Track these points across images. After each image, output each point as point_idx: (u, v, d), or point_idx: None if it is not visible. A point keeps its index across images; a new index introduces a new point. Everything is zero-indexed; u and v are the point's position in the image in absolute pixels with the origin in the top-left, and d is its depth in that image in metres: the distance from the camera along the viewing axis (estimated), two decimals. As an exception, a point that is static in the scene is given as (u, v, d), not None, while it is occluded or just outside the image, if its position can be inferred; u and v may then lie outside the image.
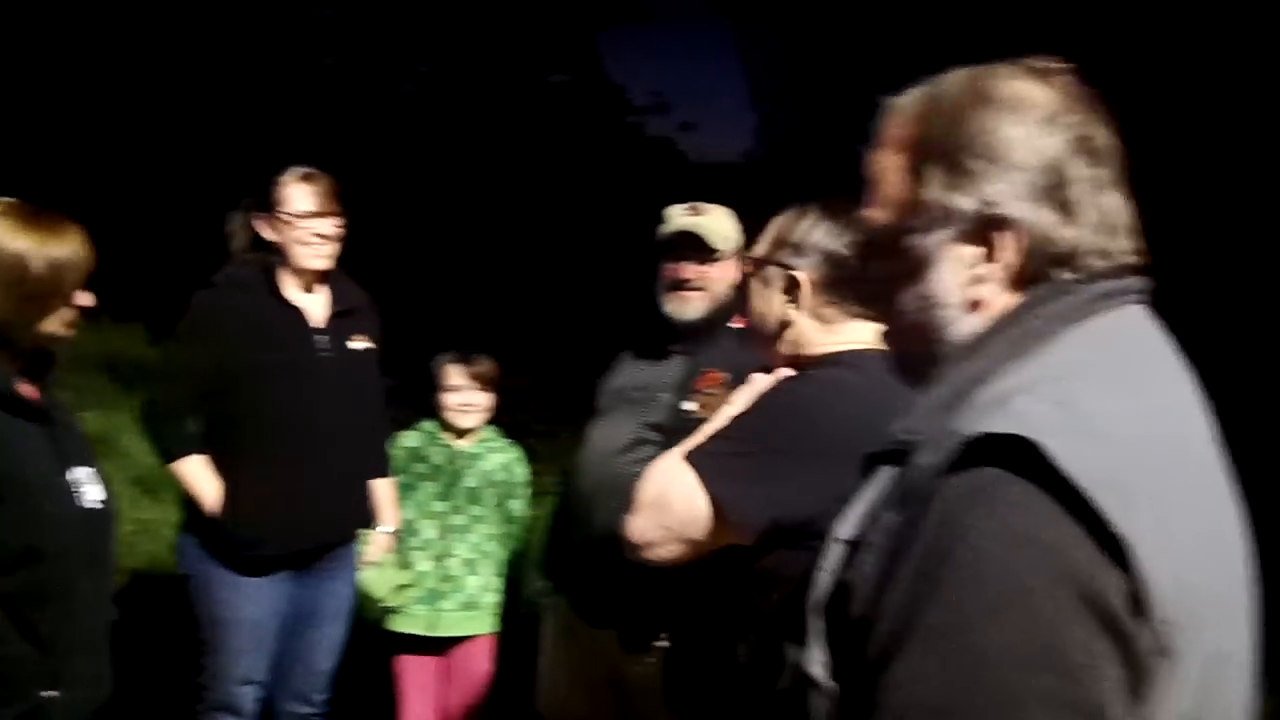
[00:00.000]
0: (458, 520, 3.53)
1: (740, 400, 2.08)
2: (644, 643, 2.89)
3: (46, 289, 2.13)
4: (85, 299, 2.20)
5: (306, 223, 3.08)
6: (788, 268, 2.06)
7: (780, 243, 2.09)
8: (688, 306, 2.89)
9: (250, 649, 3.13)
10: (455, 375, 3.56)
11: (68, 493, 2.22)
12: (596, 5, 19.04)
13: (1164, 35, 12.04)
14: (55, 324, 2.18)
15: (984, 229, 1.17)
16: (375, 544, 3.39)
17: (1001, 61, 1.24)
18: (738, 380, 2.81)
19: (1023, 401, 1.04)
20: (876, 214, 1.27)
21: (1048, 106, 1.19)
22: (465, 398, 3.57)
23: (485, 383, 3.59)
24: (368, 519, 3.36)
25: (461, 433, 3.60)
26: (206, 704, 3.16)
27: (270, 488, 3.06)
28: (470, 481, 3.55)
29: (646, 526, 1.92)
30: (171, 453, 3.10)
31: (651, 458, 2.85)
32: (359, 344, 3.23)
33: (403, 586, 3.44)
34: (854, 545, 1.14)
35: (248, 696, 3.16)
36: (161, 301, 10.73)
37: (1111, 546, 0.96)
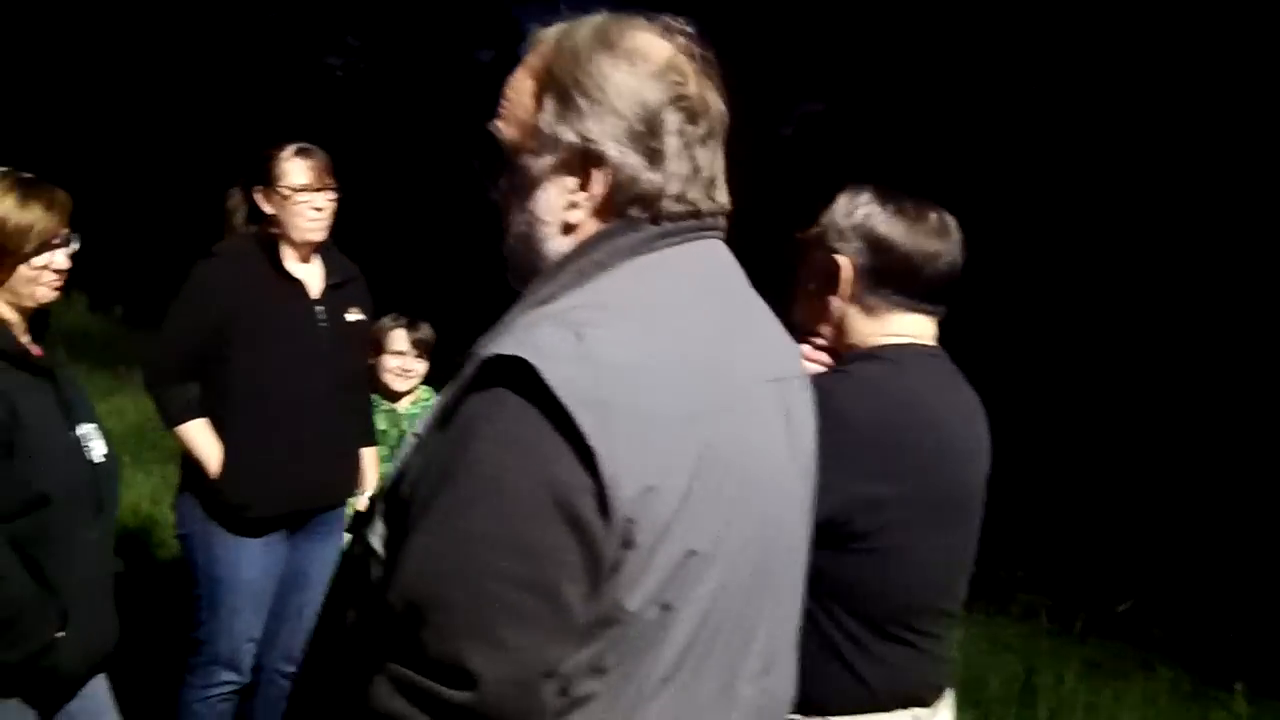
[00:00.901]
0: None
1: None
2: None
3: (14, 246, 2.26)
4: (62, 262, 2.33)
5: (304, 196, 3.19)
6: (832, 252, 2.02)
7: (828, 226, 2.04)
8: None
9: (247, 607, 3.23)
10: (399, 340, 3.70)
11: (75, 445, 2.35)
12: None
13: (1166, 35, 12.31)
14: (34, 285, 2.30)
15: (581, 161, 1.31)
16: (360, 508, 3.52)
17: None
18: None
19: (544, 327, 1.21)
20: (503, 130, 1.37)
21: (660, 62, 1.32)
22: (405, 363, 3.71)
23: (425, 350, 3.74)
24: (355, 485, 3.48)
25: (396, 396, 3.73)
26: (204, 658, 3.25)
27: (266, 451, 3.16)
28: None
29: None
30: (174, 417, 3.18)
31: None
32: (353, 315, 3.35)
33: None
34: (418, 438, 1.30)
35: (247, 653, 3.27)
36: (103, 274, 10.67)
37: (586, 457, 1.13)
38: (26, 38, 14.39)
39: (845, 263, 2.00)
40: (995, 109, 13.65)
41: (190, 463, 3.22)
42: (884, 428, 1.88)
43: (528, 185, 1.34)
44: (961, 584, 2.10)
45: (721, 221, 1.39)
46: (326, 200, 3.24)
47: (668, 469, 1.19)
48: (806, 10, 15.50)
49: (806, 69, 16.45)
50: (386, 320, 3.73)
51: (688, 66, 1.34)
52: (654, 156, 1.31)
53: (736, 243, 1.41)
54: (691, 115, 1.33)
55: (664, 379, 1.21)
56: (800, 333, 2.08)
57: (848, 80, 16.02)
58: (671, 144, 1.31)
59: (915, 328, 2.03)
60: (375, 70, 18.22)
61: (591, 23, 1.35)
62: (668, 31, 1.36)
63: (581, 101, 1.30)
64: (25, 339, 2.34)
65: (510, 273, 1.40)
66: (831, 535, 1.76)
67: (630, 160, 1.30)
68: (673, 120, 1.31)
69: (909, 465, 1.88)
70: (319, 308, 3.27)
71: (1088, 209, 12.69)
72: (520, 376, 1.15)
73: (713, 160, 1.37)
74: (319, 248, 3.31)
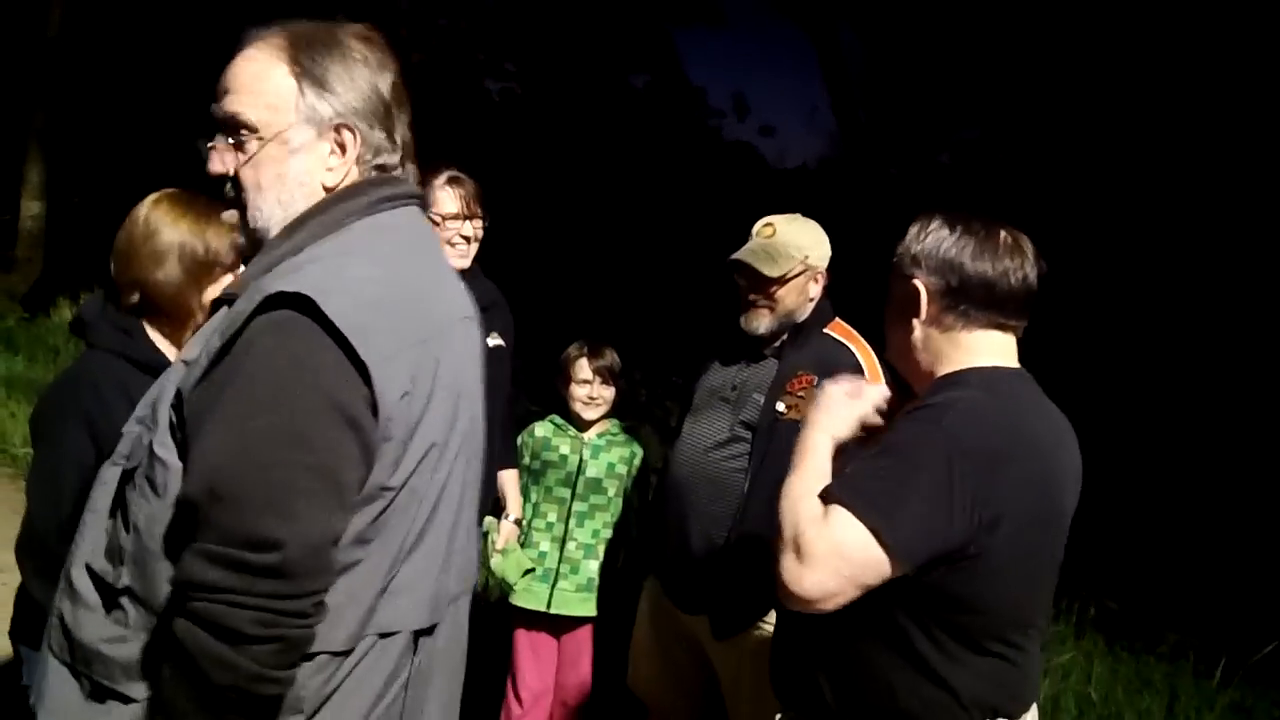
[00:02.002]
0: (579, 507, 3.71)
1: (838, 405, 2.09)
2: (733, 629, 3.05)
3: (206, 264, 2.36)
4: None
5: (453, 224, 3.26)
6: (909, 278, 2.09)
7: (903, 255, 2.12)
8: (756, 322, 3.11)
9: None
10: (583, 369, 3.74)
11: None
12: (674, 7, 19.14)
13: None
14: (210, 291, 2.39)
15: (337, 133, 1.68)
16: (502, 531, 3.58)
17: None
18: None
19: (311, 269, 1.55)
20: (246, 111, 1.67)
21: (378, 59, 1.72)
22: (592, 390, 3.74)
23: (612, 377, 3.77)
24: (496, 507, 3.53)
25: (585, 424, 3.77)
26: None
27: None
28: (593, 472, 3.72)
29: (825, 579, 1.83)
30: None
31: (743, 455, 3.03)
32: (494, 340, 3.40)
33: (526, 571, 3.63)
34: (187, 363, 1.60)
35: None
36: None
37: (361, 370, 1.49)
38: (183, 48, 15.05)
39: (921, 286, 2.07)
40: (1145, 131, 13.27)
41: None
42: (995, 453, 1.92)
43: (284, 155, 1.67)
44: (1050, 598, 2.19)
45: (420, 191, 1.80)
46: (474, 229, 3.30)
47: (416, 378, 1.57)
48: (961, 38, 15.28)
49: (962, 96, 16.20)
50: (571, 349, 3.80)
51: (391, 63, 1.73)
52: (389, 133, 1.72)
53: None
54: (400, 102, 1.74)
55: (403, 310, 1.59)
56: (892, 364, 2.22)
57: (1003, 106, 15.74)
58: (395, 123, 1.73)
59: (996, 345, 2.09)
60: (532, 95, 18.55)
61: (323, 26, 1.72)
62: (369, 36, 1.74)
63: (337, 86, 1.67)
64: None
65: (250, 231, 1.70)
66: (946, 556, 1.86)
67: (374, 135, 1.70)
68: (395, 103, 1.73)
69: (1018, 487, 1.93)
70: None
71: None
72: (302, 308, 1.48)
73: (410, 139, 1.77)
74: (464, 273, 3.37)
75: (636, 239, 15.30)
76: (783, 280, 3.08)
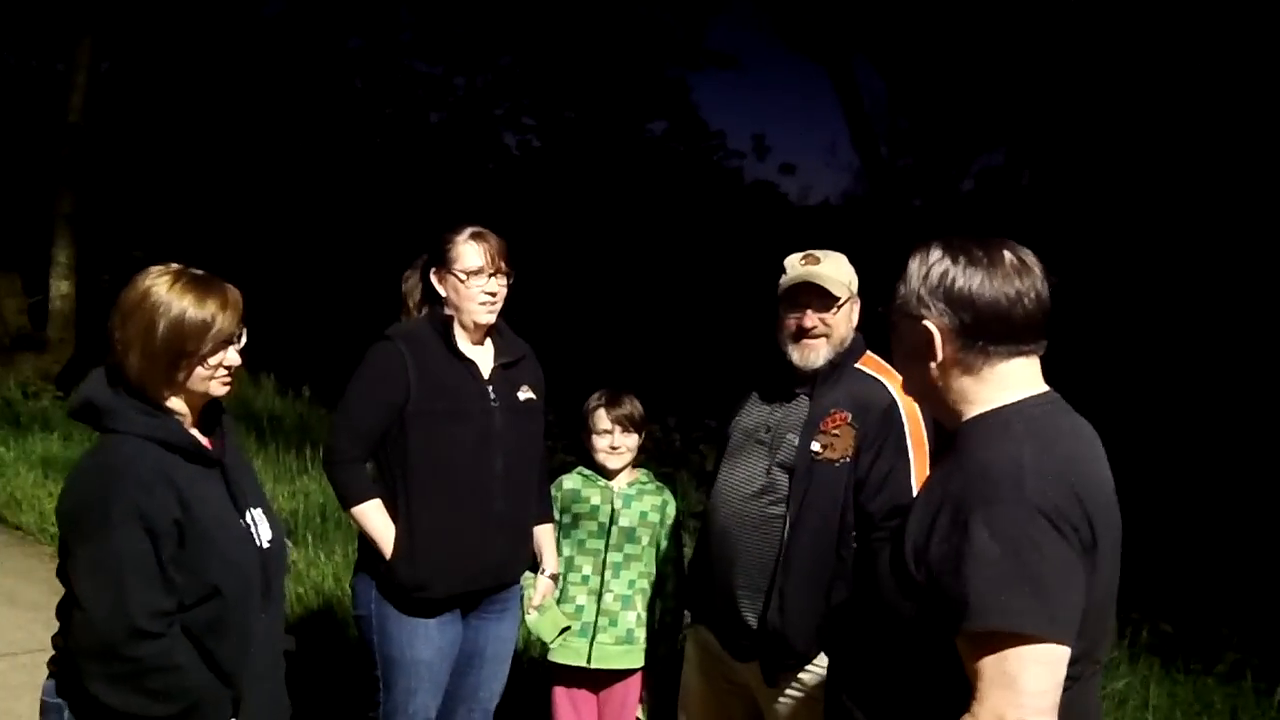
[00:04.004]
0: (614, 558, 3.66)
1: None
2: (784, 674, 2.99)
3: (194, 347, 2.29)
4: (234, 359, 2.37)
5: (478, 280, 3.25)
6: (919, 320, 1.99)
7: (908, 295, 2.01)
8: (813, 354, 3.02)
9: (422, 688, 3.25)
10: (602, 419, 3.71)
11: (245, 533, 2.39)
12: (689, 54, 19.29)
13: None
14: (209, 381, 2.34)
15: None
16: (539, 587, 3.54)
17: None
18: (859, 419, 2.94)
19: None
20: None
21: None
22: (613, 440, 3.70)
23: (632, 425, 3.73)
24: (531, 562, 3.50)
25: (612, 474, 3.74)
26: (381, 738, 3.30)
27: (440, 532, 3.19)
28: (625, 521, 3.68)
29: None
30: (350, 498, 3.24)
31: (782, 499, 2.97)
32: (525, 394, 3.38)
33: (564, 629, 3.58)
34: None
35: (419, 732, 3.29)
36: (288, 356, 11.14)
37: None
38: (205, 126, 15.29)
39: (934, 327, 1.97)
40: (1163, 145, 13.24)
41: (366, 543, 3.27)
42: (1073, 497, 1.85)
43: None
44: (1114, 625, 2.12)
45: None
46: (499, 284, 3.29)
47: None
48: (977, 62, 15.31)
49: (981, 122, 16.20)
50: (591, 399, 3.77)
51: None
52: None
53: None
54: None
55: None
56: (914, 400, 2.16)
57: (1025, 132, 15.72)
58: None
59: (1021, 374, 1.99)
60: (550, 147, 18.70)
61: None
62: None
63: None
64: (194, 430, 2.40)
65: None
66: None
67: None
68: None
69: (1098, 517, 1.88)
70: (490, 388, 3.30)
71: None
72: None
73: None
74: (492, 328, 3.36)
75: (663, 284, 15.33)
76: (841, 306, 3.03)
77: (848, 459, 2.93)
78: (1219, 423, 10.69)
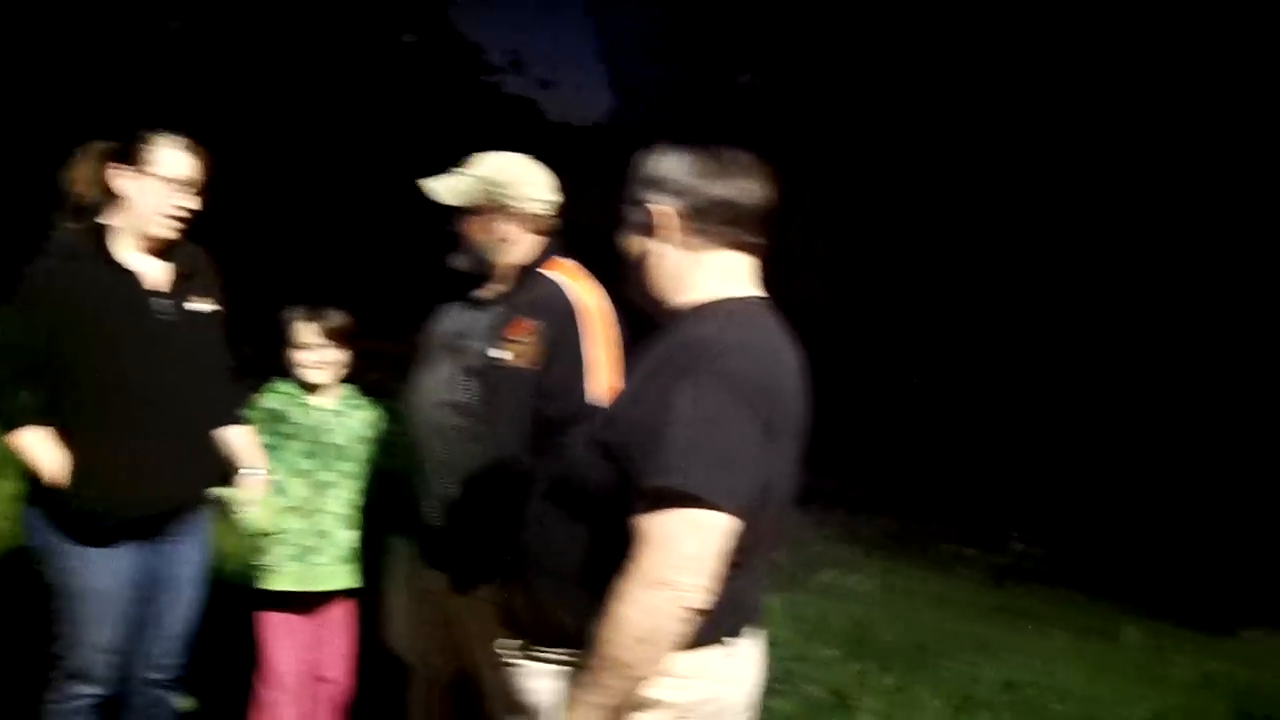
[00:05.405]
0: (326, 477, 3.54)
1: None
2: (472, 584, 2.99)
3: None
4: None
5: (179, 193, 3.05)
6: (644, 203, 2.11)
7: (638, 183, 2.14)
8: (456, 259, 3.09)
9: (102, 618, 3.11)
10: (306, 332, 3.56)
11: None
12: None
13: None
14: None
15: None
16: (246, 486, 3.38)
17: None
18: (553, 328, 2.94)
19: None
20: None
21: None
22: (318, 355, 3.56)
23: (337, 338, 3.59)
24: (217, 478, 3.33)
25: (316, 390, 3.60)
26: (61, 672, 3.14)
27: (112, 456, 3.03)
28: (337, 439, 3.56)
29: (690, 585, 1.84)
30: (8, 424, 3.04)
31: (468, 405, 2.96)
32: (200, 305, 3.20)
33: (283, 511, 3.46)
34: None
35: (101, 664, 3.14)
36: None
37: None
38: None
39: (660, 210, 2.09)
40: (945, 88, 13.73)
41: (34, 473, 3.06)
42: (768, 383, 1.96)
43: None
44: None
45: None
46: (195, 201, 3.10)
47: None
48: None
49: (743, 43, 16.43)
50: (292, 311, 3.58)
51: None
52: None
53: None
54: None
55: None
56: (634, 299, 2.19)
57: (786, 55, 16.03)
58: None
59: (737, 268, 2.11)
60: (292, 56, 17.88)
61: None
62: None
63: None
64: None
65: None
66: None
67: None
68: None
69: (787, 411, 2.01)
70: (160, 300, 3.11)
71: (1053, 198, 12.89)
72: None
73: None
74: (173, 244, 3.16)
75: (406, 200, 14.94)
76: (471, 213, 3.03)
77: (534, 365, 2.93)
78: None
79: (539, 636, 2.14)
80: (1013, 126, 13.33)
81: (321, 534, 3.52)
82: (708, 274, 2.10)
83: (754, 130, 14.60)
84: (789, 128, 14.66)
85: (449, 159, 3.15)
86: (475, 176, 3.04)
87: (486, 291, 3.07)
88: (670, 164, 2.10)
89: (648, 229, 2.11)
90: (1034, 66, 13.42)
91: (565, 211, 3.12)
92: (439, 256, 3.15)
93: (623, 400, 2.11)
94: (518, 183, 3.04)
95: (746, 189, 2.09)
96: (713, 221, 2.08)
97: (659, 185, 2.10)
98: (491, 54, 20.77)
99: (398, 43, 18.36)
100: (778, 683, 4.27)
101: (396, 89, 17.08)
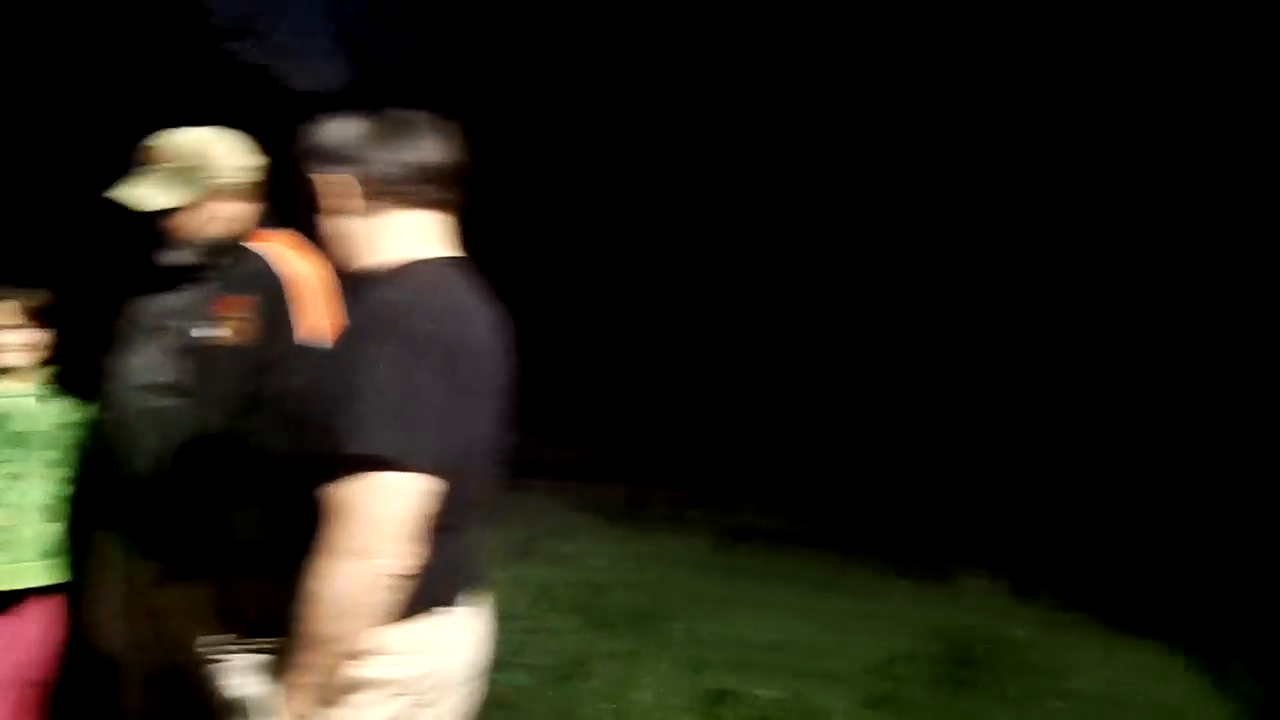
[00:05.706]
0: (12, 469, 3.35)
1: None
2: (184, 573, 2.91)
3: None
4: None
5: None
6: (326, 173, 2.11)
7: (310, 153, 2.14)
8: (168, 254, 2.98)
9: None
10: (1, 312, 3.37)
11: None
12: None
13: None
14: None
15: None
16: None
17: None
18: (265, 303, 2.88)
19: None
20: None
21: None
22: (14, 336, 3.37)
23: (28, 318, 3.41)
24: None
25: (11, 373, 3.41)
26: None
27: None
28: (18, 426, 3.38)
29: (387, 551, 1.83)
30: None
31: (172, 386, 2.88)
32: None
33: None
34: None
35: None
36: None
37: None
38: None
39: (336, 179, 2.09)
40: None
41: None
42: (456, 342, 1.96)
43: None
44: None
45: None
46: None
47: None
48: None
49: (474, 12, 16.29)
50: None
51: None
52: None
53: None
54: None
55: None
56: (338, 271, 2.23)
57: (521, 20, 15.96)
58: None
59: (426, 226, 2.12)
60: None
61: None
62: None
63: None
64: None
65: None
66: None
67: None
68: None
69: (480, 370, 2.02)
70: None
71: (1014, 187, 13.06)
72: None
73: None
74: None
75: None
76: (178, 209, 2.92)
77: (251, 341, 2.85)
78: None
79: (253, 626, 2.11)
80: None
81: (7, 530, 3.34)
82: (395, 237, 2.10)
83: (492, 95, 14.55)
84: (527, 92, 14.66)
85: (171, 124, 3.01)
86: (167, 169, 2.92)
87: (189, 266, 2.95)
88: (339, 132, 2.11)
89: (327, 200, 2.11)
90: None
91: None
92: (145, 252, 3.02)
93: (319, 372, 2.12)
94: (214, 158, 2.95)
95: (425, 149, 2.10)
96: (392, 185, 2.08)
97: (331, 156, 2.10)
98: (224, 19, 19.84)
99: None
100: (511, 655, 4.32)
101: (116, 53, 16.11)
